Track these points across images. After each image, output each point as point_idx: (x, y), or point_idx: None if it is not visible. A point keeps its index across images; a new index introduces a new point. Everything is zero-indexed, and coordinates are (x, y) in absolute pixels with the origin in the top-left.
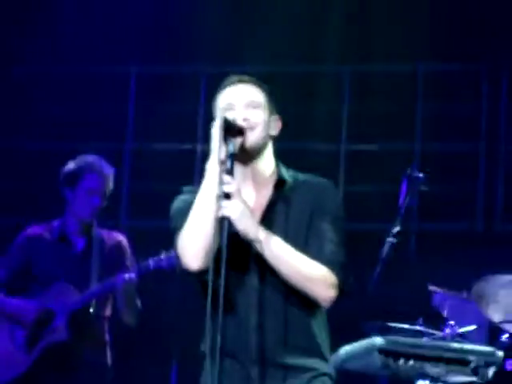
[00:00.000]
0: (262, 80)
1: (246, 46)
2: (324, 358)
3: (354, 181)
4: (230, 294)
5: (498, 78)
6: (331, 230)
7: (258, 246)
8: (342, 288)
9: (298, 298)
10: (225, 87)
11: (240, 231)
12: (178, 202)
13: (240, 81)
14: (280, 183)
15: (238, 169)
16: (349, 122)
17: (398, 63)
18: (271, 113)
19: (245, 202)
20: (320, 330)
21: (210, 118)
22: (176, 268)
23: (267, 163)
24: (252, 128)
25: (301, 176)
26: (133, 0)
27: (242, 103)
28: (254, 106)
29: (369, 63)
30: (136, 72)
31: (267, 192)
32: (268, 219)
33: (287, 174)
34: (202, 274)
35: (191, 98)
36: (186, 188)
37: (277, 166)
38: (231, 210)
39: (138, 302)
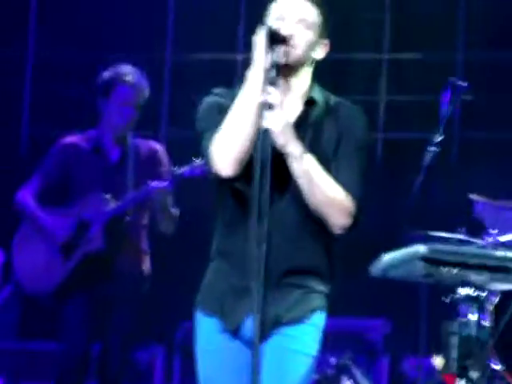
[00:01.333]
0: None
1: None
2: (325, 279)
3: (396, 90)
4: (246, 204)
5: None
6: (355, 158)
7: (292, 161)
8: (357, 218)
9: (311, 221)
10: None
11: (279, 144)
12: (207, 104)
13: None
14: (310, 103)
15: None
16: (391, 31)
17: None
18: (320, 36)
19: (286, 115)
20: (329, 253)
21: (251, 27)
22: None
23: (303, 81)
24: (295, 46)
25: (333, 99)
26: None
27: (294, 18)
28: (305, 24)
29: None
30: None
31: (297, 110)
32: (296, 136)
33: (320, 95)
34: (232, 180)
35: (231, 6)
36: (215, 90)
37: (311, 86)
38: (274, 121)
39: (175, 211)
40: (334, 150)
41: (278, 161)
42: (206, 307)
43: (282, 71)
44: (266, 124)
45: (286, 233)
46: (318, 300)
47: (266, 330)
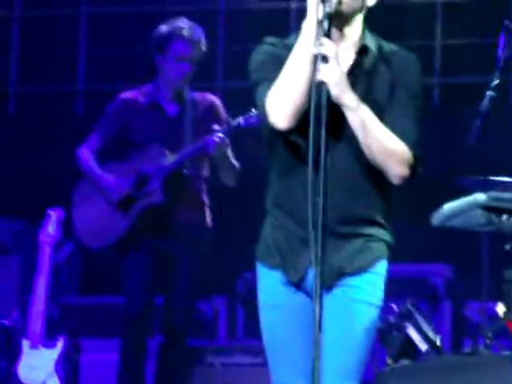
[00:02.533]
0: None
1: None
2: (385, 228)
3: (452, 34)
4: (306, 155)
5: None
6: (410, 107)
7: (348, 112)
8: (415, 167)
9: (369, 170)
10: None
11: (334, 96)
12: (260, 53)
13: None
14: (363, 51)
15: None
16: None
17: None
18: None
19: (341, 68)
20: (388, 202)
21: None
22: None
23: (354, 31)
24: None
25: (386, 46)
26: None
27: None
28: None
29: None
30: None
31: (350, 59)
32: (350, 82)
33: (373, 43)
34: (287, 133)
35: None
36: (268, 39)
37: (363, 34)
38: (329, 74)
39: (235, 162)
40: (389, 97)
41: (335, 111)
42: (267, 260)
43: (336, 20)
44: (320, 76)
45: (344, 182)
46: (380, 248)
47: (329, 280)
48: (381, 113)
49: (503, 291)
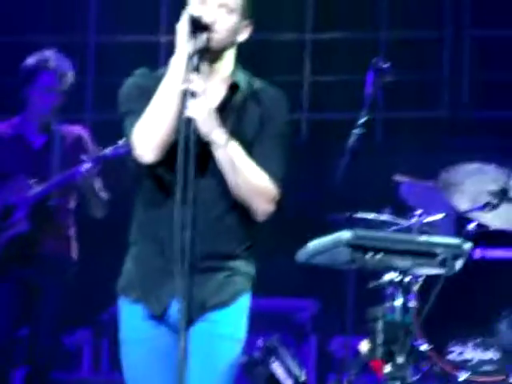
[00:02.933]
0: None
1: None
2: (248, 260)
3: (320, 70)
4: (171, 189)
5: None
6: (278, 144)
7: (216, 148)
8: (280, 204)
9: (234, 206)
10: None
11: (202, 133)
12: (129, 85)
13: None
14: (234, 87)
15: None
16: (314, 11)
17: None
18: (243, 17)
19: (209, 103)
20: (252, 236)
21: (173, 9)
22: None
23: (225, 66)
24: (217, 32)
25: (257, 83)
26: None
27: (215, 3)
28: (227, 8)
29: None
30: None
31: (220, 95)
32: (220, 118)
33: (244, 79)
34: (153, 166)
35: None
36: (137, 71)
37: (235, 69)
38: (197, 111)
39: (104, 194)
40: (256, 134)
41: (202, 146)
42: (128, 294)
43: (206, 56)
44: (189, 112)
45: (209, 217)
46: (243, 281)
47: (192, 315)
48: (249, 149)
49: (368, 329)
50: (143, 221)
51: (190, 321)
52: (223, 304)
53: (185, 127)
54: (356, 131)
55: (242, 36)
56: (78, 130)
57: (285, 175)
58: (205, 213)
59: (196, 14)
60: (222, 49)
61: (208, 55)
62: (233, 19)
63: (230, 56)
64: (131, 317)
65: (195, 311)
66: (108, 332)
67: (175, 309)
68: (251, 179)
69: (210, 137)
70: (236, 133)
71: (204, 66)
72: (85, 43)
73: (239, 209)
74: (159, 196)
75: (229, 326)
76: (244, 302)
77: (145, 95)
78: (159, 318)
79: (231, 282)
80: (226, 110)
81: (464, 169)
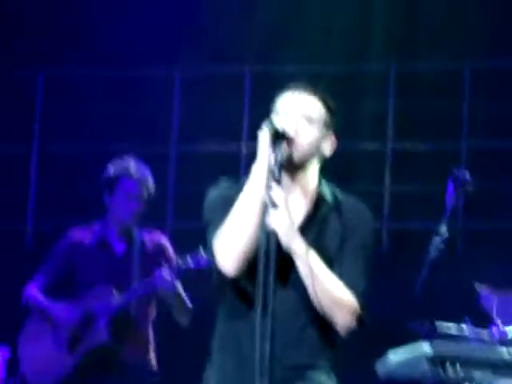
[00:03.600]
0: (308, 80)
1: (290, 45)
2: (329, 374)
3: (400, 180)
4: (253, 301)
5: None
6: (360, 257)
7: (297, 259)
8: (362, 319)
9: (317, 318)
10: (287, 90)
11: (284, 244)
12: (213, 196)
13: (302, 89)
14: (319, 201)
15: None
16: (395, 121)
17: (444, 60)
18: (327, 131)
19: (291, 215)
20: (334, 349)
21: (254, 119)
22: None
23: (310, 179)
24: (299, 144)
25: (341, 196)
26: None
27: (298, 114)
28: (308, 120)
29: (415, 60)
30: (180, 73)
31: (305, 208)
32: (302, 235)
33: (328, 191)
34: (235, 278)
35: (235, 98)
36: (222, 181)
37: (320, 183)
38: (278, 222)
39: (188, 302)
40: (339, 246)
41: (284, 258)
42: None
43: (288, 168)
44: (269, 225)
45: (290, 328)
46: None
47: None
48: (330, 262)
49: None
50: (225, 331)
51: None
52: None
53: (265, 239)
54: (436, 241)
55: (326, 149)
56: (158, 236)
57: (366, 288)
58: (286, 324)
59: (278, 125)
60: (304, 161)
61: (291, 167)
62: (315, 131)
63: (314, 168)
64: None
65: None
66: None
67: None
68: (331, 291)
69: (291, 248)
70: (319, 246)
71: (286, 178)
72: (166, 153)
73: (321, 321)
74: (241, 307)
75: None
76: None
77: (228, 206)
78: None
79: None
80: (311, 223)
81: None
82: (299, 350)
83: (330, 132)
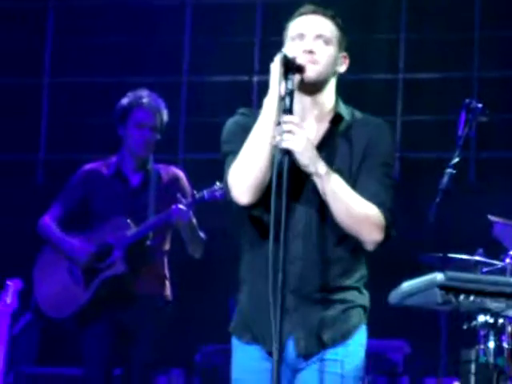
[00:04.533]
0: (323, 5)
1: None
2: (361, 292)
3: (412, 110)
4: (266, 229)
5: None
6: (382, 173)
7: (317, 180)
8: (389, 232)
9: (343, 237)
10: (298, 15)
11: (301, 164)
12: (232, 124)
13: (314, 11)
14: (337, 119)
15: (298, 99)
16: (406, 51)
17: None
18: (340, 49)
19: (307, 135)
20: (361, 266)
21: (265, 49)
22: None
23: (327, 98)
24: (315, 62)
25: (358, 114)
26: None
27: (312, 35)
28: (324, 39)
29: None
30: (191, 2)
31: (323, 126)
32: (321, 154)
33: (346, 111)
34: (251, 207)
35: (246, 28)
36: (241, 110)
37: (336, 101)
38: (295, 142)
39: (202, 234)
40: (361, 163)
41: (305, 180)
42: (242, 335)
43: (306, 89)
44: (285, 144)
45: (319, 250)
46: (358, 315)
47: (308, 350)
48: (353, 179)
49: (460, 371)
50: (251, 260)
51: (305, 356)
52: (340, 340)
53: (279, 161)
54: (449, 171)
55: (341, 67)
56: (174, 170)
57: (392, 203)
58: (312, 245)
59: (290, 55)
60: (322, 80)
61: (310, 87)
62: (330, 50)
63: (331, 88)
64: (247, 358)
65: (311, 347)
66: (200, 372)
67: (291, 346)
68: (355, 208)
69: (310, 168)
70: (340, 163)
71: (305, 100)
72: (178, 83)
73: (348, 240)
74: (260, 236)
75: (346, 365)
76: (360, 337)
77: (245, 135)
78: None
79: (346, 316)
80: (330, 142)
81: None
82: (330, 270)
83: (343, 51)
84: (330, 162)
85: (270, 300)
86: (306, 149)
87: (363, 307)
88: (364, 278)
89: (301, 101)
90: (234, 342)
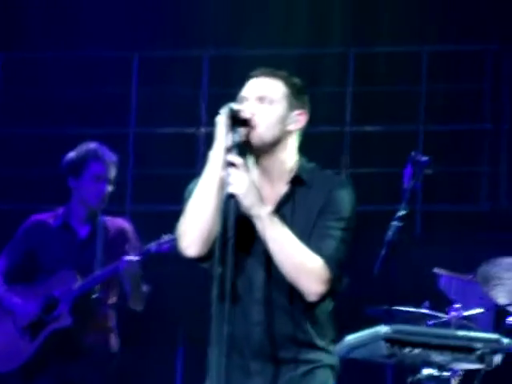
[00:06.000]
0: (263, 63)
1: (249, 28)
2: (327, 351)
3: (359, 162)
4: (233, 283)
5: (501, 58)
6: (336, 228)
7: (259, 223)
8: (334, 285)
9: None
10: (248, 78)
11: (245, 207)
12: (194, 183)
13: (261, 73)
14: (297, 180)
15: (255, 160)
16: (353, 104)
17: (402, 44)
18: (292, 108)
19: (250, 177)
20: (325, 323)
21: (212, 102)
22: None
23: (285, 158)
24: (257, 125)
25: (319, 172)
26: None
27: (254, 97)
28: (268, 100)
29: (373, 44)
30: (138, 55)
31: (283, 187)
32: (280, 214)
33: (306, 169)
34: (200, 260)
35: (193, 80)
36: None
37: (297, 160)
38: (237, 184)
39: (144, 287)
40: (316, 220)
41: (252, 229)
42: None
43: (255, 150)
44: (229, 189)
45: (281, 310)
46: (325, 374)
47: None
48: (309, 237)
49: None
50: (213, 318)
51: None
52: None
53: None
54: (395, 223)
55: (296, 125)
56: (121, 222)
57: (342, 258)
58: (274, 303)
59: (235, 108)
60: (270, 141)
61: (255, 150)
62: (275, 111)
63: (289, 147)
64: None
65: None
66: None
67: None
68: (296, 256)
69: (252, 211)
70: (300, 224)
71: (258, 161)
72: (125, 135)
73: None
74: (216, 292)
75: None
76: None
77: None
78: None
79: (313, 375)
80: (286, 204)
81: (503, 262)
82: (292, 327)
83: (298, 109)
84: (289, 222)
85: (213, 361)
86: (248, 191)
87: (331, 366)
88: (331, 337)
89: (257, 162)
90: None
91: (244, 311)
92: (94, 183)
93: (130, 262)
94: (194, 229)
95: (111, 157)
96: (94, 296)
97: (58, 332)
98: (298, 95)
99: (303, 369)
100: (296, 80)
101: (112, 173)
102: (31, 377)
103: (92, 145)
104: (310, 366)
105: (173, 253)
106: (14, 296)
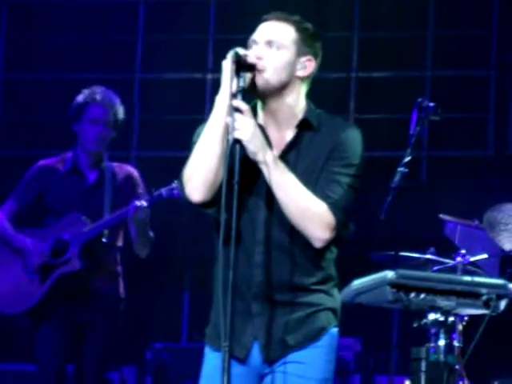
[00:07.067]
0: (269, 8)
1: None
2: (329, 294)
3: (365, 108)
4: (238, 227)
5: (509, 3)
6: (344, 174)
7: (264, 168)
8: (340, 232)
9: (301, 237)
10: (261, 22)
11: (250, 152)
12: (201, 128)
13: (273, 17)
14: (304, 124)
15: (262, 104)
16: (359, 50)
17: None
18: (300, 53)
19: (255, 123)
20: (327, 267)
21: (219, 47)
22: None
23: (293, 103)
24: (263, 68)
25: (327, 118)
26: None
27: (263, 40)
28: (276, 45)
29: None
30: (145, 1)
31: (290, 131)
32: (286, 158)
33: (314, 115)
34: (204, 206)
35: (200, 26)
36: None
37: (305, 106)
38: (242, 130)
39: (151, 233)
40: (324, 165)
41: (257, 171)
42: (213, 341)
43: (261, 95)
44: (235, 135)
45: (283, 253)
46: (326, 317)
47: (273, 354)
48: (315, 182)
49: (410, 369)
50: (216, 265)
51: (270, 361)
52: (305, 343)
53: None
54: (400, 169)
55: (304, 71)
56: (129, 168)
57: (348, 204)
58: (274, 246)
59: (240, 52)
60: (275, 86)
61: (261, 94)
62: (282, 56)
63: (296, 92)
64: (213, 364)
65: (275, 350)
66: (151, 370)
67: (257, 350)
68: (301, 202)
69: (257, 156)
70: (307, 169)
71: (265, 105)
72: (131, 80)
73: (302, 238)
74: (224, 236)
75: (311, 368)
76: (328, 340)
77: None
78: (243, 362)
79: (313, 318)
80: (296, 147)
81: (509, 208)
82: (291, 270)
83: (308, 55)
84: (296, 166)
85: (220, 306)
86: (253, 136)
87: (332, 310)
88: (333, 280)
89: (264, 106)
90: (206, 349)
91: (246, 253)
92: (91, 126)
93: (140, 207)
94: (199, 174)
95: (112, 100)
96: (103, 240)
97: (67, 275)
98: (309, 41)
99: (305, 311)
100: (308, 25)
101: (111, 116)
102: (40, 319)
103: (94, 89)
104: (313, 309)
105: (183, 198)
106: (25, 237)
